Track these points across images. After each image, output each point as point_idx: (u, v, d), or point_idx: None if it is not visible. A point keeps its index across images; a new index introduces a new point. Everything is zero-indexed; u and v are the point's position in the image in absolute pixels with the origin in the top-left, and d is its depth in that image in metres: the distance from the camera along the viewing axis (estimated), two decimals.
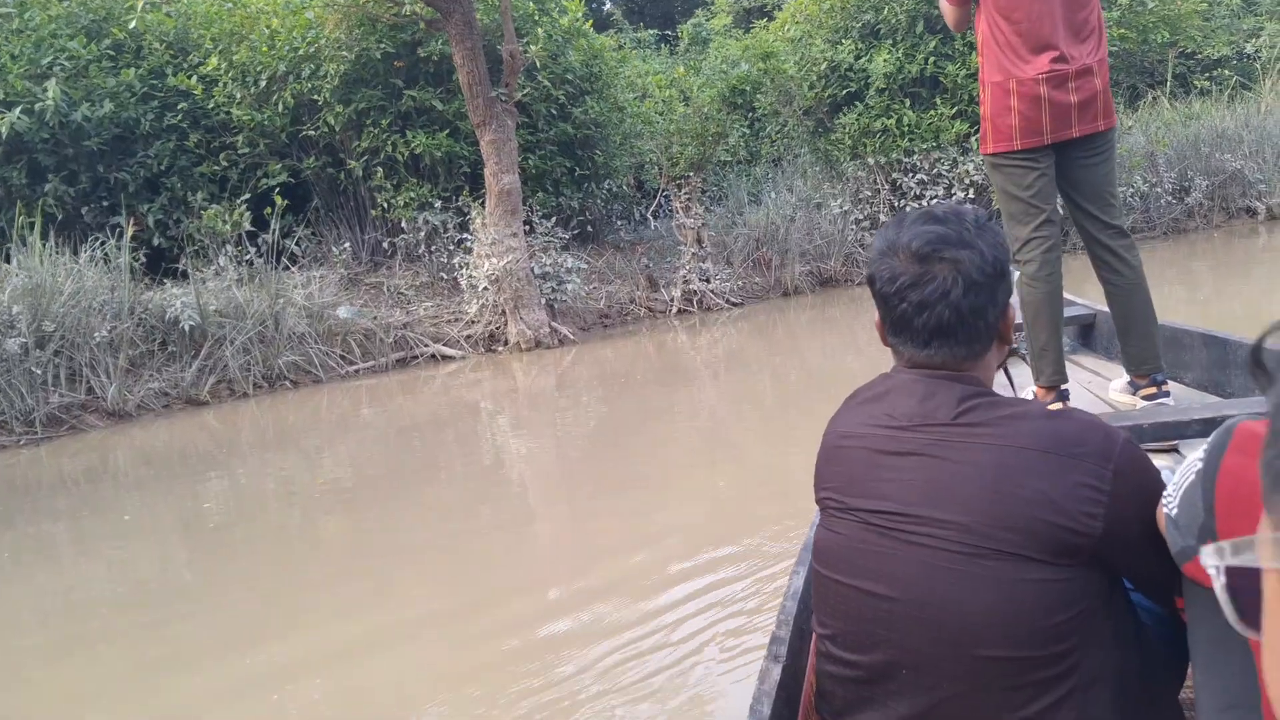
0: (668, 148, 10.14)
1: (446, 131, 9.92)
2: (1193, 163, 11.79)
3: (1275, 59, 15.15)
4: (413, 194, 9.89)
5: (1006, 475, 1.22)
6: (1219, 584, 0.57)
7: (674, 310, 10.31)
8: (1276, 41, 15.24)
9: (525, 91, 10.09)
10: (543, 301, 9.03)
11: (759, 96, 12.01)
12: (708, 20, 11.55)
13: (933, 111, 10.63)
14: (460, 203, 9.91)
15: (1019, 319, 2.85)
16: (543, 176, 11.17)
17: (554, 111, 11.04)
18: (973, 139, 10.65)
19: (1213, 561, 0.54)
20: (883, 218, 10.94)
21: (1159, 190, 11.40)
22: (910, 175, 10.81)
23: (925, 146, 10.63)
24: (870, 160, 10.85)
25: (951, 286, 1.29)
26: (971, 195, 10.70)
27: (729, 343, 9.33)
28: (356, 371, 8.71)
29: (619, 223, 13.39)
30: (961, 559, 1.22)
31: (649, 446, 5.98)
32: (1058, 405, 2.78)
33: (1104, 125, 2.83)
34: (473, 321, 9.27)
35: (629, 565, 3.84)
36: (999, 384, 1.68)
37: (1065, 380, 2.91)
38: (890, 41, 10.61)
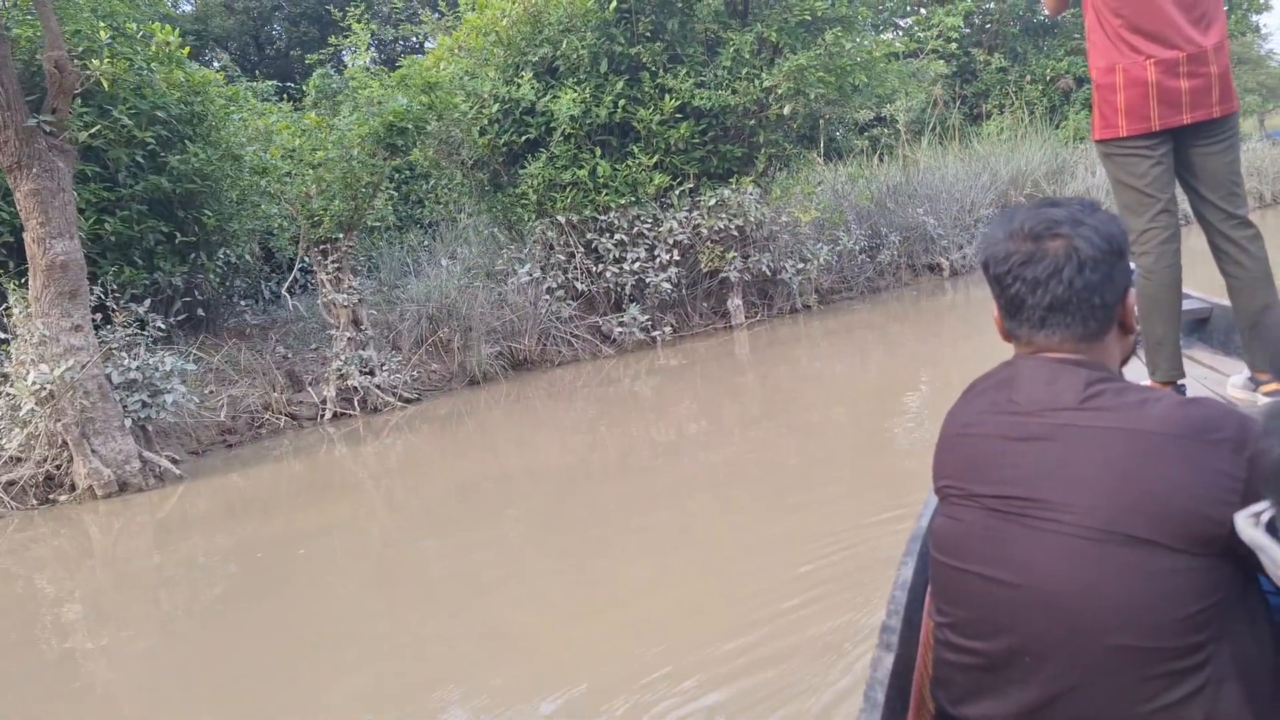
0: (306, 203, 7.69)
1: None
2: (879, 219, 11.37)
3: (910, 122, 15.84)
4: None
5: (1137, 460, 1.19)
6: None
7: (327, 415, 7.78)
8: (910, 104, 15.94)
9: (95, 129, 7.19)
10: (127, 423, 6.14)
11: (415, 150, 9.89)
12: (350, 57, 9.30)
13: (630, 162, 9.14)
14: None
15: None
16: (128, 245, 8.21)
17: (141, 160, 8.17)
18: (673, 192, 9.29)
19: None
20: (579, 285, 9.21)
21: (853, 249, 10.76)
22: (607, 235, 9.20)
23: (623, 201, 9.09)
24: (560, 218, 9.10)
25: (1065, 263, 1.28)
26: (677, 256, 9.29)
27: (406, 449, 7.05)
28: None
29: (243, 303, 10.54)
30: (1089, 545, 1.19)
31: (307, 629, 3.59)
32: None
33: (1220, 111, 2.75)
34: (15, 460, 6.15)
35: None
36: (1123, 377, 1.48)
37: (1182, 375, 2.83)
38: (573, 80, 9.01)
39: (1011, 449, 1.29)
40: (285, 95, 16.25)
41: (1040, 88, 16.62)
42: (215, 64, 20.39)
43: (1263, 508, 1.02)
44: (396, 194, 13.04)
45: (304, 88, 13.72)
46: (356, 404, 7.79)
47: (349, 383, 7.75)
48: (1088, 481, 1.21)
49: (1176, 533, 1.15)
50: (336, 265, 7.85)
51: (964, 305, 10.99)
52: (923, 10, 17.67)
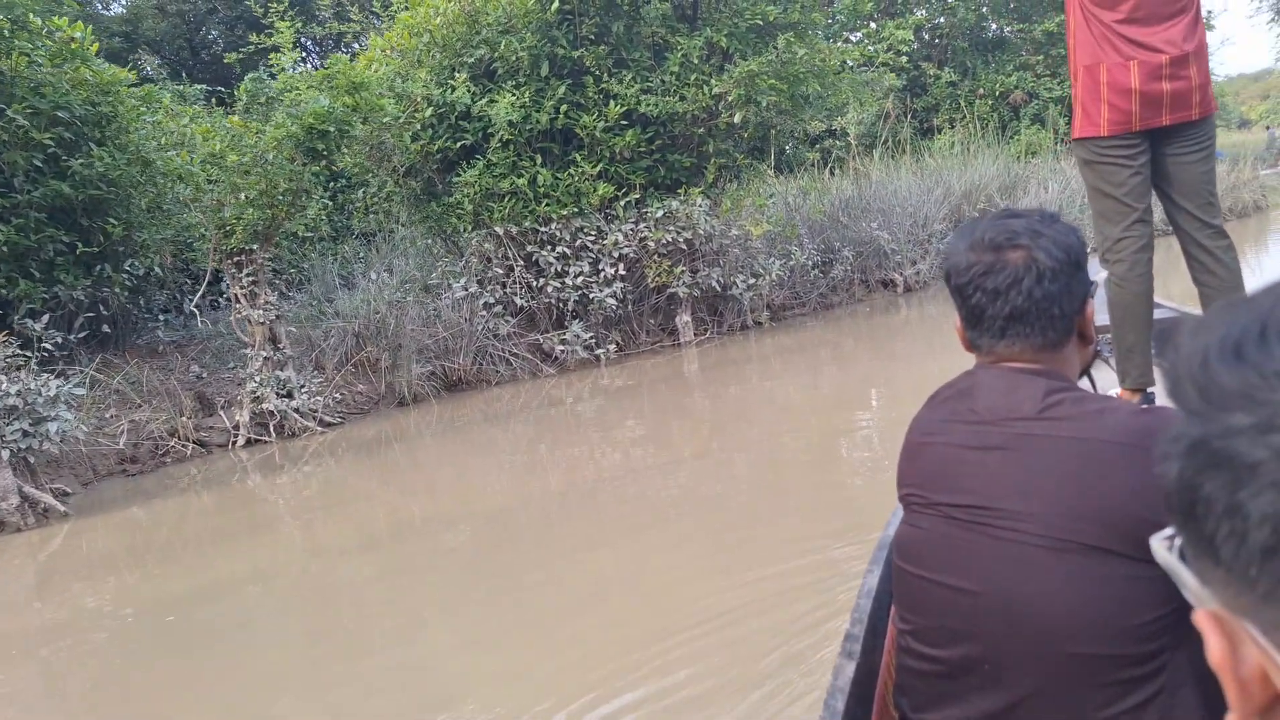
0: (218, 211, 7.08)
1: None
2: (832, 234, 11.02)
3: (861, 135, 15.60)
4: None
5: (1091, 468, 1.21)
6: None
7: (239, 441, 7.15)
8: (862, 117, 15.70)
9: None
10: (4, 455, 5.48)
11: (344, 156, 9.30)
12: (274, 58, 8.66)
13: (572, 170, 8.65)
14: None
15: (1101, 320, 2.39)
16: (24, 256, 7.51)
17: (40, 164, 7.50)
18: (618, 204, 8.83)
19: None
20: (518, 299, 8.69)
21: (806, 264, 10.38)
22: (549, 248, 8.69)
23: (565, 212, 8.60)
24: (498, 230, 8.58)
25: (1025, 274, 1.29)
26: (623, 271, 8.82)
27: (327, 479, 6.50)
28: None
29: (162, 318, 9.82)
30: (1045, 553, 1.20)
31: (214, 689, 3.07)
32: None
33: (1199, 113, 2.77)
34: None
35: None
36: (1081, 387, 1.51)
37: (1152, 382, 2.85)
38: (513, 84, 8.51)
39: (971, 457, 1.30)
40: (217, 100, 15.53)
41: (990, 102, 16.50)
42: (148, 69, 19.56)
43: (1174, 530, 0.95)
44: (332, 203, 12.42)
45: (237, 91, 13.06)
46: (272, 429, 7.16)
47: (264, 406, 7.14)
48: (1044, 490, 1.22)
49: (1130, 541, 1.16)
50: (252, 279, 7.24)
51: (918, 322, 10.69)
52: (873, 24, 17.51)
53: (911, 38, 16.07)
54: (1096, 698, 1.18)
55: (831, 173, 13.97)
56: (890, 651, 1.52)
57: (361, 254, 11.68)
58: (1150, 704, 1.17)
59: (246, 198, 6.93)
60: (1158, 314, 3.76)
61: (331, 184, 12.35)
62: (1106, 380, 2.94)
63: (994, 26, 18.57)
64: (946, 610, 1.29)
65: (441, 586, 4.34)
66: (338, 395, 7.66)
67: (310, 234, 12.08)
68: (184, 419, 7.24)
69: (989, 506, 1.25)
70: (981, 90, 16.23)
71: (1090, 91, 2.79)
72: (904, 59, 14.57)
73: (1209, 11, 19.67)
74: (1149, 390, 2.86)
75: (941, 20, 18.03)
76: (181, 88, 14.80)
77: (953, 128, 15.69)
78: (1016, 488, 1.24)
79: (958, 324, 1.39)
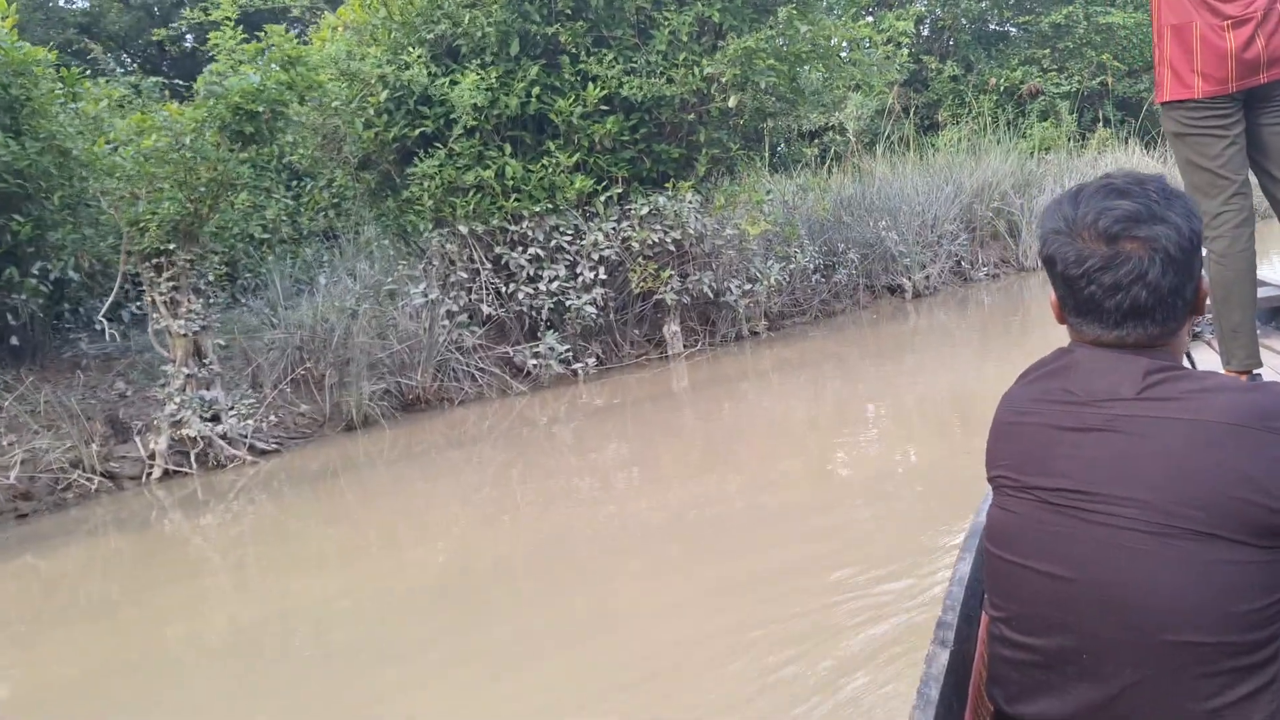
0: (131, 205, 6.09)
1: None
2: (835, 235, 10.08)
3: (861, 130, 14.69)
4: None
5: (1197, 450, 1.16)
6: None
7: (154, 473, 6.15)
8: (861, 113, 14.79)
9: None
10: None
11: (296, 149, 8.32)
12: (214, 35, 7.67)
13: (545, 161, 7.68)
14: None
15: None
16: None
17: None
18: (598, 200, 7.85)
19: None
20: (485, 307, 7.71)
21: (807, 268, 9.44)
22: (520, 249, 7.71)
23: (538, 209, 7.62)
24: (462, 228, 7.60)
25: (1149, 267, 1.21)
26: (603, 275, 7.84)
27: (258, 520, 5.62)
28: None
29: (97, 327, 8.77)
30: (1147, 538, 1.17)
31: None
32: None
33: None
34: None
35: None
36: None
37: (1259, 364, 2.78)
38: (479, 63, 7.53)
39: (1067, 439, 1.25)
40: (172, 94, 14.53)
41: (995, 97, 15.64)
42: (95, 56, 18.54)
43: None
44: (295, 202, 11.49)
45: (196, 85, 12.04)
46: (194, 458, 6.16)
47: (186, 431, 6.13)
48: (1145, 474, 1.18)
49: (1238, 525, 1.13)
50: (173, 284, 6.24)
51: (928, 331, 9.81)
52: (870, 17, 16.64)
53: (912, 29, 15.22)
54: (1202, 688, 1.14)
55: (830, 170, 13.07)
56: (984, 640, 1.47)
57: (326, 257, 10.79)
58: (1260, 694, 1.13)
59: (161, 189, 5.93)
60: (1262, 292, 3.52)
61: (295, 183, 11.48)
62: (1207, 361, 2.82)
63: (997, 20, 17.71)
64: (1041, 597, 1.25)
65: (395, 645, 3.69)
66: (274, 418, 6.65)
67: (268, 235, 11.23)
68: (95, 446, 6.23)
69: (1086, 490, 1.21)
70: (994, 80, 15.34)
71: (1180, 52, 2.69)
72: (904, 51, 13.73)
73: None
74: (1256, 372, 2.77)
75: (940, 11, 17.17)
76: (133, 79, 13.79)
77: (956, 123, 14.81)
78: (1116, 472, 1.19)
79: (1052, 298, 1.32)
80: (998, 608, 1.33)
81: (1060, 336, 1.38)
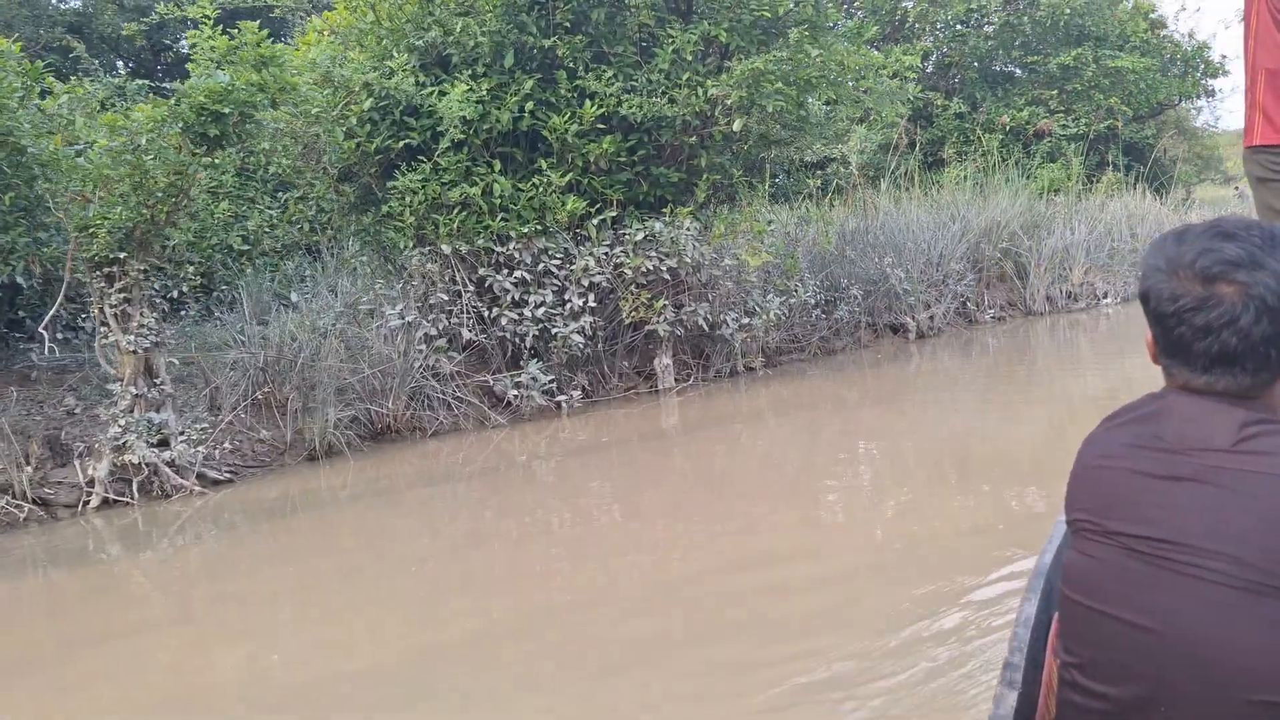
0: (81, 209, 5.60)
1: None
2: (837, 269, 9.65)
3: (865, 164, 14.33)
4: None
5: None
6: None
7: (92, 501, 5.62)
8: (865, 145, 14.44)
9: None
10: None
11: (260, 144, 7.83)
12: (191, 35, 7.25)
13: (536, 180, 7.23)
14: None
15: None
16: None
17: None
18: (590, 223, 7.39)
19: None
20: (466, 332, 7.22)
21: (808, 303, 8.99)
22: (505, 271, 7.24)
23: (526, 230, 7.15)
24: (444, 248, 7.12)
25: (1241, 313, 1.19)
26: (593, 302, 7.37)
27: (204, 559, 5.12)
28: None
29: (50, 342, 8.24)
30: (1237, 594, 1.14)
31: None
32: None
33: None
34: None
35: None
36: None
37: None
38: (470, 74, 7.09)
39: (1155, 486, 1.23)
40: (161, 96, 14.08)
41: (1000, 136, 15.33)
42: (97, 64, 18.11)
43: None
44: (279, 213, 11.03)
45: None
46: (136, 487, 5.63)
47: (130, 458, 5.61)
48: (1239, 529, 1.15)
49: None
50: (124, 296, 5.74)
51: (931, 374, 9.36)
52: (876, 51, 16.36)
53: (920, 64, 14.91)
54: None
55: (831, 203, 12.69)
56: (1049, 685, 1.43)
57: (308, 271, 10.32)
58: None
59: (115, 193, 5.45)
60: None
61: (281, 193, 11.05)
62: None
63: (1003, 61, 17.43)
64: (1121, 646, 1.22)
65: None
66: (229, 444, 6.13)
67: (248, 247, 10.78)
68: (30, 470, 5.70)
69: (1175, 541, 1.18)
70: (1005, 119, 15.03)
71: (1273, 97, 2.62)
72: (911, 86, 13.42)
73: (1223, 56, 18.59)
74: None
75: (947, 50, 16.89)
76: (118, 80, 13.35)
77: (961, 161, 14.48)
78: (1207, 524, 1.17)
79: (1148, 337, 1.31)
80: (1072, 653, 1.31)
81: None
